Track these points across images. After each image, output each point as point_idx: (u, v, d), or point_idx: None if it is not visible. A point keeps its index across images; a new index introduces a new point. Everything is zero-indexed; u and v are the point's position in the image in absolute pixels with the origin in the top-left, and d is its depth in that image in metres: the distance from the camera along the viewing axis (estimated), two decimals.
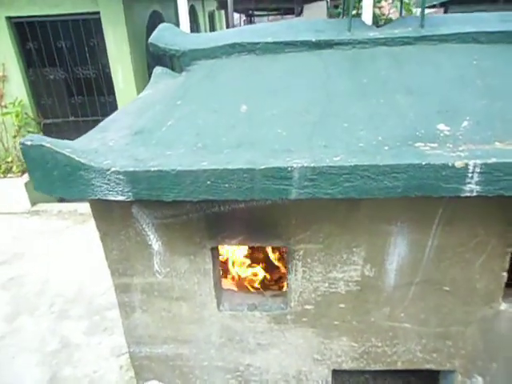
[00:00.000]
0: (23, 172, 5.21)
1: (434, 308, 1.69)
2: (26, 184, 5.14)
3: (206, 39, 1.81)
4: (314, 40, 1.67)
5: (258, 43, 1.70)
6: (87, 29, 4.95)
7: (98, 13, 4.81)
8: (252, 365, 1.86)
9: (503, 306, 1.66)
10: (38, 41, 5.03)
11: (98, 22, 4.85)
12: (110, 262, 1.68)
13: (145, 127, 1.58)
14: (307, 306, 1.71)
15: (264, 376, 1.88)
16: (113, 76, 5.07)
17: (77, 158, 1.33)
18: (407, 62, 1.62)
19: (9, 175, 5.23)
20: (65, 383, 2.75)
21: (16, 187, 5.12)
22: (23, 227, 4.94)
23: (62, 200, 5.60)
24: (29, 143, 1.31)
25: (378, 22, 1.73)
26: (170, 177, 1.32)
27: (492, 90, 1.53)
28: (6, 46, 4.95)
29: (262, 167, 1.29)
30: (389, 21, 1.72)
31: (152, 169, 1.32)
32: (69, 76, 5.27)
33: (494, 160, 1.25)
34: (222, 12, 12.46)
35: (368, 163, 1.27)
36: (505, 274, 1.60)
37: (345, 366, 1.83)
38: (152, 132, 1.54)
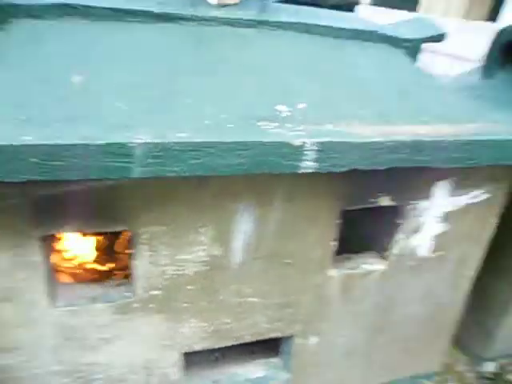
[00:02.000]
0: None
1: (276, 280, 1.80)
2: None
3: None
4: (156, 11, 1.57)
5: (92, 7, 1.52)
6: None
7: None
8: (95, 362, 1.70)
9: (332, 272, 1.87)
10: None
11: None
12: None
13: None
14: (154, 292, 1.64)
15: (109, 372, 1.75)
16: None
17: None
18: (249, 43, 1.66)
19: None
20: None
21: None
22: None
23: None
24: None
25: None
26: None
27: (323, 77, 1.68)
28: None
29: (100, 142, 1.16)
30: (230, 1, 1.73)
31: None
32: None
33: (326, 139, 1.37)
34: None
35: (214, 140, 1.26)
36: (334, 244, 1.80)
37: (195, 348, 1.83)
38: None
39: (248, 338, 1.89)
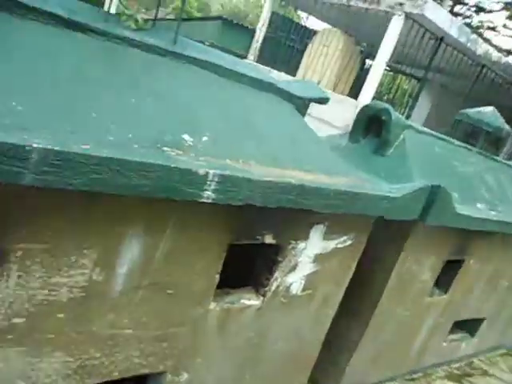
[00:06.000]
0: None
1: (156, 311, 1.73)
2: None
3: None
4: (66, 17, 1.49)
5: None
6: None
7: None
8: None
9: (212, 305, 1.89)
10: None
11: None
12: None
13: None
14: (16, 320, 1.43)
15: None
16: None
17: None
18: (159, 71, 1.68)
19: None
20: None
21: None
22: None
23: None
24: None
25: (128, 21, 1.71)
26: None
27: (226, 115, 1.77)
28: None
29: None
30: (143, 26, 1.74)
31: None
32: None
33: (227, 172, 1.44)
34: None
35: (120, 157, 1.22)
36: (217, 276, 1.83)
37: None
38: None
39: (117, 375, 1.75)
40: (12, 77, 1.27)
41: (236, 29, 9.56)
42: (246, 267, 2.14)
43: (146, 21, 1.69)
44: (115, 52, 1.59)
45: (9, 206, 1.29)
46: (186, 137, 1.55)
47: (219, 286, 1.96)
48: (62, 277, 1.46)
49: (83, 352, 1.62)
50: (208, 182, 1.41)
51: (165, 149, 1.44)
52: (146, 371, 1.84)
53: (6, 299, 1.39)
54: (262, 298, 2.05)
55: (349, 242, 2.20)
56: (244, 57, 7.87)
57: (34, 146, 1.09)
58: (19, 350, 1.48)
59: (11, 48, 1.34)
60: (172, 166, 1.32)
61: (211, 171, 1.40)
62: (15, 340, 1.46)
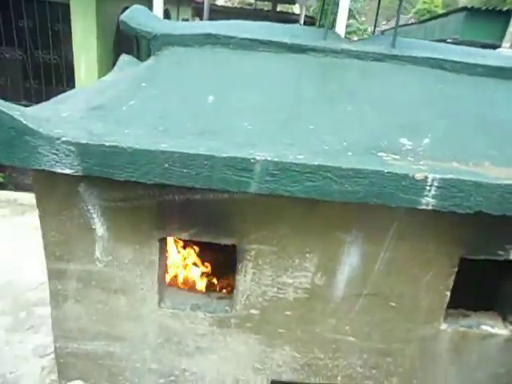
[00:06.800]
0: None
1: (378, 323, 1.68)
2: None
3: (180, 26, 1.76)
4: (289, 43, 1.67)
5: (233, 37, 1.67)
6: (53, 12, 4.73)
7: None
8: (188, 370, 1.76)
9: (443, 326, 1.69)
10: None
11: (66, 7, 4.66)
12: (47, 243, 1.54)
13: (104, 104, 1.49)
14: (253, 311, 1.65)
15: (199, 383, 1.78)
16: (75, 65, 4.85)
17: (24, 122, 1.21)
18: (376, 76, 1.65)
19: None
20: None
21: None
22: None
23: (1, 187, 5.22)
24: None
25: (352, 35, 1.76)
26: (125, 154, 1.24)
27: (452, 114, 1.58)
28: None
29: (224, 155, 1.24)
30: (363, 37, 1.76)
31: (107, 143, 1.23)
32: (27, 58, 4.99)
33: (450, 176, 1.28)
34: (197, 20, 12.47)
35: (332, 164, 1.26)
36: (448, 294, 1.63)
37: (284, 377, 1.77)
38: (111, 109, 1.46)
39: (339, 380, 1.78)
40: (242, 101, 1.50)
41: (485, 17, 8.38)
42: (480, 286, 1.83)
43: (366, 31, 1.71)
44: (333, 65, 1.66)
45: (245, 213, 1.51)
46: (403, 141, 1.46)
47: (453, 306, 1.74)
48: (288, 277, 1.60)
49: (309, 351, 1.72)
50: (427, 187, 1.29)
51: (380, 154, 1.40)
52: (369, 383, 1.80)
53: (244, 292, 1.63)
54: (511, 327, 1.71)
55: None
56: (496, 46, 6.81)
57: (257, 158, 1.24)
58: (256, 337, 1.70)
59: (243, 77, 1.59)
60: (385, 171, 1.27)
61: (430, 175, 1.27)
62: (252, 328, 1.68)
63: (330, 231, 1.53)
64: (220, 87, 1.56)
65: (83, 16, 4.67)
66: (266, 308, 1.65)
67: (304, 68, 1.64)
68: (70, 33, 4.73)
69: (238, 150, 1.29)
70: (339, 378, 1.78)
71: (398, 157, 1.40)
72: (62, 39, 4.90)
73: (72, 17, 4.67)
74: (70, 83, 4.95)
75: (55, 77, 4.98)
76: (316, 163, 1.26)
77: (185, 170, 1.25)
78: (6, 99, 1.34)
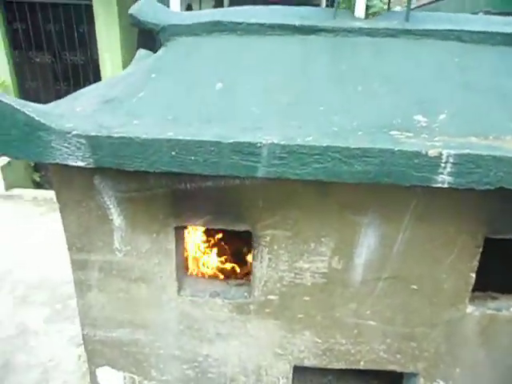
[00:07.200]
0: (1, 154, 5.06)
1: (400, 306, 1.65)
2: (2, 167, 4.99)
3: (187, 16, 1.76)
4: (297, 24, 1.64)
5: (240, 23, 1.66)
6: (78, 14, 4.87)
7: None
8: (210, 356, 1.79)
9: (469, 309, 1.63)
10: (26, 22, 4.93)
11: (90, 8, 4.78)
12: (68, 235, 1.59)
13: (115, 97, 1.51)
14: (271, 297, 1.66)
15: (222, 368, 1.81)
16: (100, 64, 4.99)
17: (36, 118, 1.26)
18: (389, 53, 1.59)
19: None
20: (17, 370, 2.62)
21: None
22: None
23: (38, 187, 5.46)
24: None
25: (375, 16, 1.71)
26: (133, 145, 1.26)
27: (471, 87, 1.51)
28: None
29: (230, 141, 1.24)
30: (375, 14, 1.70)
31: (115, 135, 1.25)
32: (56, 61, 5.17)
33: (467, 151, 1.22)
34: None
35: (340, 145, 1.23)
36: (473, 276, 1.57)
37: (307, 363, 1.77)
38: (122, 102, 1.48)
39: (363, 365, 1.76)
40: (250, 86, 1.49)
41: None
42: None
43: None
44: (343, 45, 1.62)
45: (257, 199, 1.51)
46: (418, 117, 1.41)
47: (477, 289, 1.68)
48: (304, 262, 1.59)
49: (330, 336, 1.71)
50: (442, 164, 1.24)
51: (392, 133, 1.36)
52: (394, 368, 1.77)
53: (261, 278, 1.63)
54: None
55: None
56: None
57: (264, 142, 1.23)
58: (275, 323, 1.70)
59: (250, 62, 1.58)
60: (395, 149, 1.22)
61: (445, 152, 1.22)
62: (272, 314, 1.69)
63: (345, 214, 1.51)
64: (228, 74, 1.55)
65: (105, 16, 4.78)
66: (284, 293, 1.65)
67: (313, 49, 1.60)
68: (95, 33, 4.85)
69: (245, 134, 1.28)
70: (362, 363, 1.75)
71: (411, 134, 1.35)
72: (87, 40, 5.04)
73: (95, 18, 4.78)
74: (96, 81, 5.08)
75: (83, 77, 5.13)
76: (324, 144, 1.23)
77: (192, 158, 1.26)
78: (39, 102, 1.40)
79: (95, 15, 4.79)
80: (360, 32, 1.64)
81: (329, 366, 1.79)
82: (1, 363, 2.67)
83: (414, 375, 1.80)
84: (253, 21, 1.67)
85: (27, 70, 5.19)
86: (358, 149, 1.22)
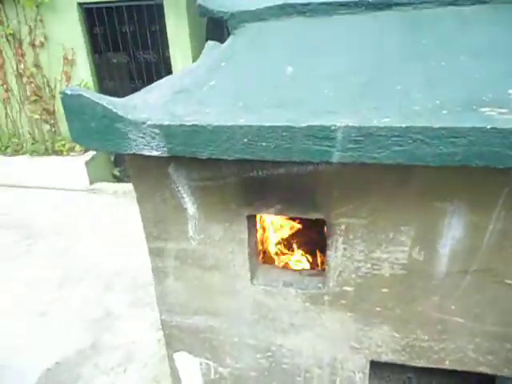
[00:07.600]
0: (85, 151, 5.46)
1: (492, 303, 1.50)
2: (86, 162, 5.38)
3: (255, 1, 1.73)
4: (370, 0, 1.54)
5: (308, 4, 1.60)
6: (150, 14, 5.07)
7: None
8: (284, 346, 1.77)
9: None
10: (104, 26, 5.23)
11: (161, 8, 4.95)
12: (145, 224, 1.65)
13: (186, 87, 1.53)
14: (346, 288, 1.59)
15: (296, 359, 1.78)
16: (172, 61, 5.16)
17: (114, 110, 1.30)
18: (476, 22, 1.44)
19: (72, 153, 5.51)
20: (103, 349, 2.82)
21: (77, 165, 5.37)
22: (81, 203, 5.17)
23: (118, 181, 5.82)
24: (68, 92, 1.30)
25: None
26: (205, 132, 1.26)
27: None
28: (76, 31, 5.20)
29: (303, 125, 1.19)
30: None
31: (187, 123, 1.26)
32: (131, 60, 5.44)
33: None
34: None
35: (422, 125, 1.13)
36: None
37: (384, 358, 1.68)
38: (193, 91, 1.50)
39: (448, 365, 1.63)
40: (322, 68, 1.42)
41: None
42: None
43: None
44: (423, 18, 1.49)
45: (331, 186, 1.45)
46: None
47: None
48: (382, 252, 1.50)
49: (410, 331, 1.61)
50: None
51: (482, 110, 1.22)
52: (485, 370, 1.62)
53: (336, 268, 1.57)
54: None
55: None
56: None
57: (338, 125, 1.17)
58: (351, 315, 1.63)
59: (321, 44, 1.51)
60: (488, 127, 1.10)
61: None
62: (347, 306, 1.62)
63: (427, 201, 1.40)
64: (298, 57, 1.50)
65: (175, 15, 4.92)
66: (360, 285, 1.57)
67: (389, 25, 1.49)
68: (166, 31, 5.02)
69: (318, 118, 1.22)
70: (447, 363, 1.63)
71: (505, 110, 1.20)
72: (158, 38, 5.24)
73: (166, 16, 4.94)
74: None
75: (155, 73, 5.34)
76: (404, 125, 1.14)
77: (264, 144, 1.23)
78: None
79: (166, 14, 4.95)
80: (442, 2, 1.50)
81: (408, 363, 1.68)
82: (90, 343, 2.88)
83: (508, 380, 1.64)
84: (321, 0, 1.60)
85: (105, 71, 5.52)
86: (444, 128, 1.11)
